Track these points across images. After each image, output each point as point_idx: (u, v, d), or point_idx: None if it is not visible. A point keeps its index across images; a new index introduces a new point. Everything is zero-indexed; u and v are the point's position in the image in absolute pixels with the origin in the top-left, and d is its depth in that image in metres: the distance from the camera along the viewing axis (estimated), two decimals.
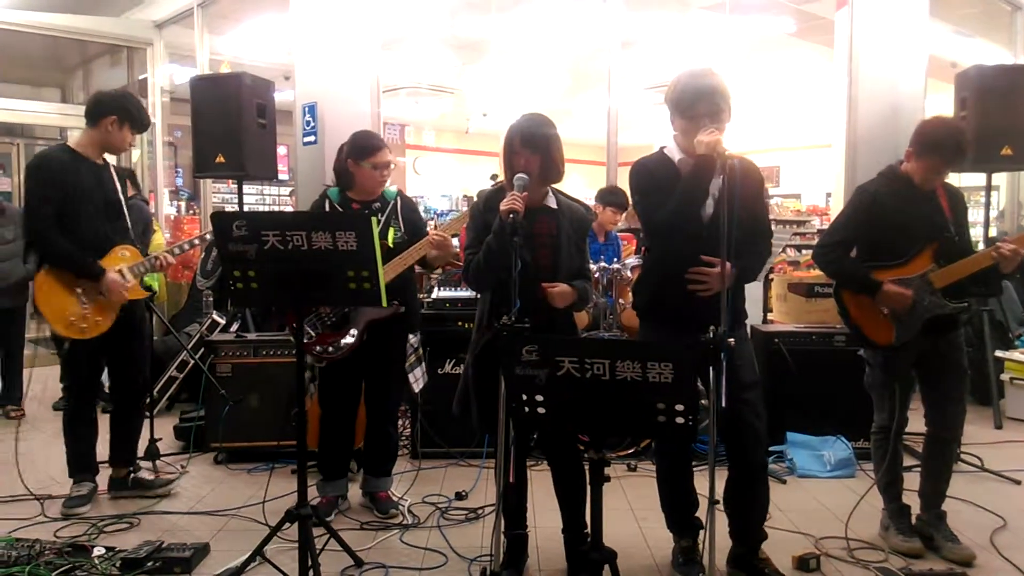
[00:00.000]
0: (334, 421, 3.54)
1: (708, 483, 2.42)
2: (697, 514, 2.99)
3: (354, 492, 3.73)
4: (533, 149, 2.78)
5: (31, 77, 9.38)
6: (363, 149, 3.42)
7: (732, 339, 2.38)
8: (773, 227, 3.07)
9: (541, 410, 2.10)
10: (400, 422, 4.84)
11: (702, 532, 2.91)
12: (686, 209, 2.68)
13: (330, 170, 3.67)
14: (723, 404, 2.36)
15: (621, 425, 2.40)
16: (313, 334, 3.33)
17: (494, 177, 3.57)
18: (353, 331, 3.36)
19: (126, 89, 3.75)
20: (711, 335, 2.36)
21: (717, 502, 2.52)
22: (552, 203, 2.90)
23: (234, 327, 4.95)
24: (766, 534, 2.92)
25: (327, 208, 3.47)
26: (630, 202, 5.43)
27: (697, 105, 2.66)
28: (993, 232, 5.90)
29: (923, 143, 3.03)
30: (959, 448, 4.01)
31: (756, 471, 2.84)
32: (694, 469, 3.06)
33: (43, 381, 5.94)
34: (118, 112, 3.52)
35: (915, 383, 3.21)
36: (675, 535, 3.04)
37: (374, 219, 2.58)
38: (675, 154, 2.81)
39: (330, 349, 3.35)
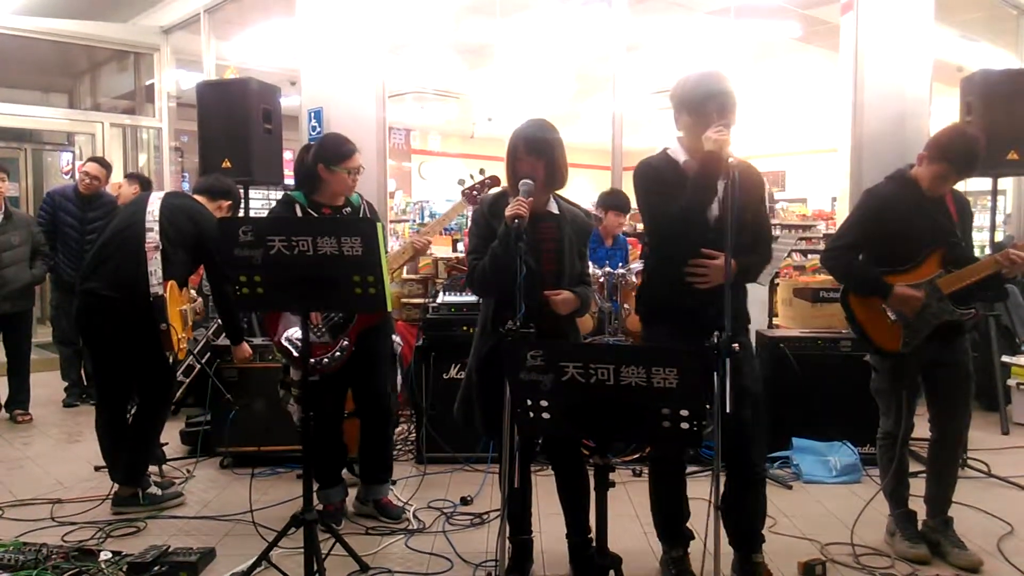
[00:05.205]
0: (323, 430, 3.43)
1: (711, 488, 2.42)
2: (690, 524, 2.94)
3: (348, 500, 3.69)
4: (538, 155, 2.77)
5: (39, 83, 9.42)
6: (337, 155, 3.31)
7: (736, 344, 2.38)
8: (779, 231, 3.07)
9: (546, 415, 2.10)
10: (405, 427, 4.87)
11: (692, 542, 2.91)
12: (695, 209, 2.65)
13: None
14: (728, 409, 2.35)
15: (626, 430, 2.39)
16: None
17: (482, 171, 3.53)
18: (344, 341, 3.32)
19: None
20: (715, 340, 2.36)
21: (720, 507, 2.51)
22: (554, 208, 2.90)
23: None
24: (764, 537, 2.90)
25: (299, 214, 3.31)
26: (634, 205, 5.48)
27: (707, 103, 2.63)
28: (1000, 236, 5.88)
29: (935, 149, 3.02)
30: (965, 454, 4.00)
31: (751, 477, 2.82)
32: (696, 475, 3.03)
33: (49, 385, 5.97)
34: (235, 199, 4.02)
35: (921, 388, 3.20)
36: (665, 545, 2.96)
37: (379, 225, 2.58)
38: (679, 155, 2.78)
39: (325, 361, 3.29)
